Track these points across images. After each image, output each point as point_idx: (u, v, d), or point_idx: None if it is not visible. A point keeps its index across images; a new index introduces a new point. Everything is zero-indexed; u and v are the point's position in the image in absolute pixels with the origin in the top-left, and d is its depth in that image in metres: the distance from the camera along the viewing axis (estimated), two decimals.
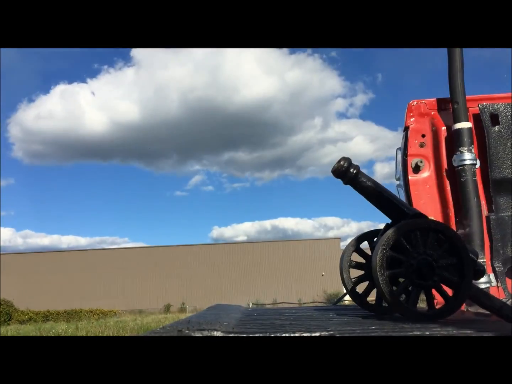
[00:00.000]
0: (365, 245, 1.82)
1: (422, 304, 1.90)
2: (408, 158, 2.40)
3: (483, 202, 2.26)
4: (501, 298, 1.88)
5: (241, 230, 64.55)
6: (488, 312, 1.66)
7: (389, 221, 1.69)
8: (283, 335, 1.11)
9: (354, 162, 1.67)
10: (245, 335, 1.11)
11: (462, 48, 2.29)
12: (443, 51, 2.32)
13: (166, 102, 60.14)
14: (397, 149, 2.60)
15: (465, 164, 2.19)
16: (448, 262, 1.48)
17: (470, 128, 2.23)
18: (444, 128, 2.38)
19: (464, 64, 2.27)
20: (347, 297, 2.06)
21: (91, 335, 12.02)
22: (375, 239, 1.76)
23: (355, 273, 1.79)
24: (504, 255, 2.20)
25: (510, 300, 2.10)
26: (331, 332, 1.13)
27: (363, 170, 1.68)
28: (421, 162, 2.37)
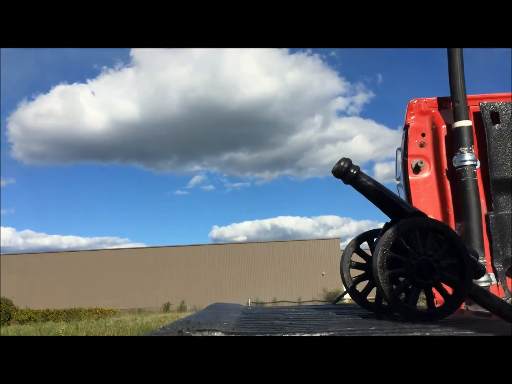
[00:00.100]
0: (365, 245, 1.82)
1: (421, 303, 1.90)
2: (408, 158, 2.40)
3: (482, 201, 2.26)
4: (501, 297, 1.88)
5: (241, 230, 64.60)
6: (488, 312, 1.66)
7: (389, 220, 1.70)
8: (284, 335, 1.11)
9: (354, 162, 1.67)
10: (245, 336, 1.11)
11: (462, 48, 2.29)
12: (443, 51, 2.33)
13: (166, 102, 60.17)
14: (397, 149, 2.60)
15: (466, 165, 2.19)
16: (448, 262, 1.48)
17: (470, 127, 2.23)
18: (444, 126, 2.38)
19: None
20: (347, 296, 2.06)
21: (91, 335, 12.02)
22: (375, 239, 1.76)
23: (356, 273, 1.79)
24: (504, 255, 2.20)
25: (510, 299, 2.10)
26: (331, 333, 1.13)
27: (363, 171, 1.68)
28: (421, 162, 2.37)
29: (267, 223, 64.65)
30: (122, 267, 41.11)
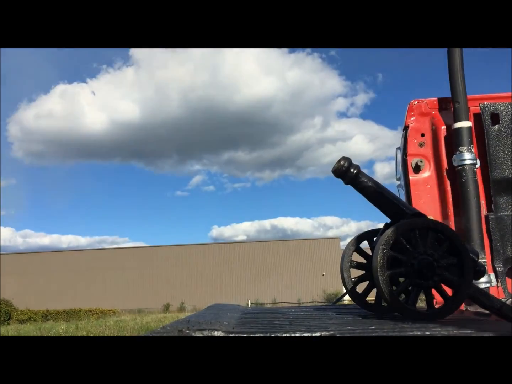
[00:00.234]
0: (365, 244, 1.82)
1: (421, 304, 1.90)
2: (408, 158, 2.40)
3: (482, 202, 2.26)
4: (500, 298, 1.88)
5: (240, 230, 64.66)
6: (487, 312, 1.66)
7: (389, 220, 1.70)
8: (284, 335, 1.11)
9: (354, 162, 1.67)
10: (245, 335, 1.11)
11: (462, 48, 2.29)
12: (444, 51, 2.33)
13: (166, 102, 60.21)
14: (397, 148, 2.60)
15: (465, 164, 2.19)
16: (449, 262, 1.48)
17: (470, 127, 2.23)
18: (443, 127, 2.38)
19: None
20: (347, 297, 2.06)
21: (91, 335, 12.02)
22: (374, 239, 1.76)
23: (356, 273, 1.79)
24: (504, 255, 2.20)
25: (510, 299, 2.10)
26: (332, 332, 1.13)
27: (363, 170, 1.68)
28: (421, 162, 2.37)
29: (267, 223, 64.72)
30: (122, 266, 41.09)
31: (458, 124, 2.23)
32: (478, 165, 2.24)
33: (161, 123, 60.89)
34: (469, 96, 2.27)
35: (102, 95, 61.50)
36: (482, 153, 2.29)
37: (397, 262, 1.49)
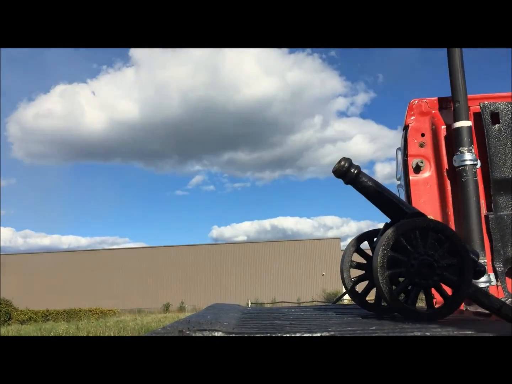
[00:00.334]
0: (365, 245, 1.82)
1: (421, 304, 1.90)
2: (408, 158, 2.40)
3: (482, 202, 2.26)
4: (500, 298, 1.88)
5: (240, 230, 64.67)
6: (487, 312, 1.66)
7: (389, 220, 1.70)
8: (284, 335, 1.11)
9: (355, 162, 1.67)
10: (245, 336, 1.11)
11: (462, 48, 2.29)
12: (444, 50, 2.33)
13: (166, 102, 60.23)
14: (397, 149, 2.60)
15: (466, 164, 2.19)
16: (449, 262, 1.48)
17: (470, 127, 2.23)
18: (443, 127, 2.38)
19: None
20: (347, 297, 2.06)
21: (91, 335, 12.02)
22: (375, 239, 1.76)
23: (356, 273, 1.79)
24: (505, 255, 2.20)
25: (510, 299, 2.10)
26: (332, 333, 1.13)
27: (364, 170, 1.68)
28: (421, 162, 2.37)
29: (267, 223, 64.75)
30: (122, 267, 41.09)
31: (458, 124, 2.23)
32: (478, 166, 2.24)
33: (161, 123, 60.96)
34: (469, 96, 2.27)
35: (102, 95, 61.56)
36: (482, 153, 2.28)
37: (397, 262, 1.49)
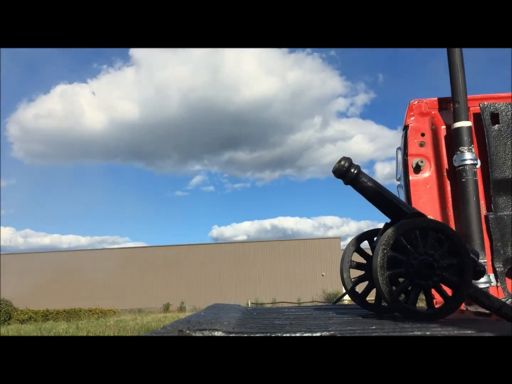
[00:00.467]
0: (365, 244, 1.82)
1: (421, 304, 1.90)
2: (408, 158, 2.40)
3: (482, 202, 2.26)
4: (500, 298, 1.88)
5: (241, 230, 64.70)
6: (487, 312, 1.66)
7: (389, 220, 1.70)
8: (284, 335, 1.11)
9: (355, 162, 1.67)
10: (246, 335, 1.11)
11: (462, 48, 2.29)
12: (444, 50, 2.33)
13: (166, 102, 60.24)
14: (397, 148, 2.60)
15: (466, 164, 2.19)
16: (449, 262, 1.48)
17: (470, 127, 2.23)
18: (443, 127, 2.38)
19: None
20: (347, 297, 2.06)
21: (91, 335, 12.02)
22: (375, 239, 1.76)
23: (356, 273, 1.79)
24: (505, 255, 2.20)
25: (510, 300, 2.10)
26: (332, 332, 1.13)
27: (364, 171, 1.68)
28: (421, 162, 2.37)
29: (267, 223, 64.75)
30: (122, 266, 41.09)
31: (458, 124, 2.23)
32: (478, 165, 2.24)
33: (161, 123, 60.98)
34: (469, 96, 2.27)
35: (102, 95, 61.58)
36: (482, 153, 2.28)
37: (397, 262, 1.49)
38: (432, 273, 1.47)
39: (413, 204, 2.31)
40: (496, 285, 2.16)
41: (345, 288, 1.77)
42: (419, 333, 1.13)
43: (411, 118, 2.42)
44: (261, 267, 40.85)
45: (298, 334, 1.11)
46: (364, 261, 1.79)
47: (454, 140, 2.26)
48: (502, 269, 2.19)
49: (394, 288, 1.50)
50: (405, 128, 2.44)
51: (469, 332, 1.14)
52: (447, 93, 2.33)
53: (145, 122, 59.96)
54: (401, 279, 1.53)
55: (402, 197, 2.45)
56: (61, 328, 14.22)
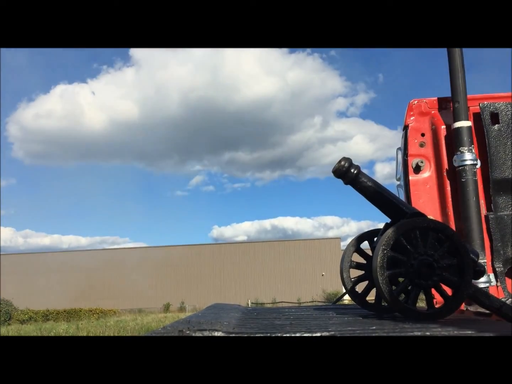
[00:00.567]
0: (365, 245, 1.82)
1: (421, 304, 1.90)
2: (408, 158, 2.40)
3: (482, 202, 2.26)
4: (500, 298, 1.88)
5: (241, 230, 64.68)
6: (488, 312, 1.66)
7: (389, 220, 1.70)
8: (284, 335, 1.11)
9: (355, 162, 1.67)
10: (246, 335, 1.11)
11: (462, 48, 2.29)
12: (444, 50, 2.33)
13: (166, 102, 60.24)
14: (397, 149, 2.60)
15: (466, 164, 2.19)
16: (448, 262, 1.48)
17: (470, 127, 2.23)
18: (443, 127, 2.38)
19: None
20: (347, 297, 2.06)
21: (92, 335, 12.02)
22: (375, 239, 1.76)
23: (356, 273, 1.79)
24: (505, 255, 2.20)
25: (510, 299, 2.10)
26: (332, 332, 1.13)
27: (364, 171, 1.68)
28: (421, 162, 2.37)
29: (267, 223, 64.75)
30: (123, 267, 41.08)
31: (458, 124, 2.23)
32: (478, 165, 2.24)
33: (161, 123, 60.99)
34: (469, 96, 2.27)
35: (102, 95, 61.55)
36: (482, 153, 2.28)
37: (397, 262, 1.49)
38: (432, 273, 1.47)
39: (413, 204, 2.31)
40: (496, 285, 2.16)
41: (345, 288, 1.77)
42: (419, 333, 1.13)
43: (411, 118, 2.42)
44: (261, 267, 40.84)
45: (298, 334, 1.11)
46: (364, 261, 1.79)
47: (454, 140, 2.26)
48: (502, 269, 2.18)
49: (394, 288, 1.50)
50: (405, 128, 2.44)
51: (469, 332, 1.14)
52: (447, 93, 2.33)
53: (145, 122, 60.00)
54: (401, 279, 1.53)
55: (402, 197, 2.45)
56: (61, 328, 14.23)
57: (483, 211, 2.25)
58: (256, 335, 1.12)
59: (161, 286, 40.64)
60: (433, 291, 1.52)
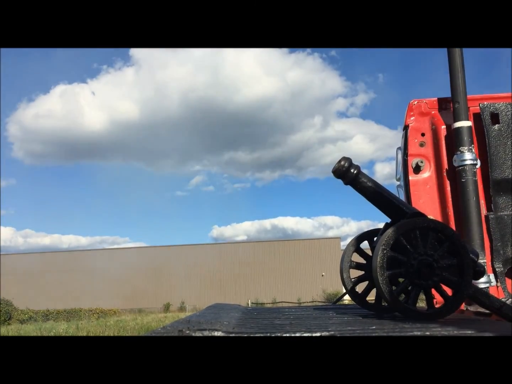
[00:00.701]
0: (365, 244, 1.82)
1: (422, 304, 1.90)
2: (408, 158, 2.40)
3: (482, 202, 2.26)
4: (500, 298, 1.88)
5: (241, 230, 64.66)
6: (488, 312, 1.66)
7: (389, 220, 1.70)
8: (284, 335, 1.11)
9: (355, 162, 1.67)
10: (245, 335, 1.11)
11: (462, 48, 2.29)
12: (444, 50, 2.33)
13: (166, 102, 60.24)
14: (397, 148, 2.60)
15: (466, 164, 2.19)
16: (448, 263, 1.48)
17: (470, 127, 2.23)
18: (443, 127, 2.38)
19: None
20: (347, 297, 2.06)
21: (91, 335, 12.02)
22: (375, 239, 1.76)
23: (356, 273, 1.79)
24: (505, 255, 2.20)
25: (510, 300, 2.10)
26: (332, 332, 1.13)
27: (364, 171, 1.68)
28: (421, 162, 2.37)
29: (267, 223, 64.72)
30: (123, 266, 41.07)
31: (458, 124, 2.23)
32: (478, 165, 2.24)
33: (161, 123, 60.95)
34: (469, 96, 2.27)
35: (102, 95, 61.54)
36: (482, 153, 2.29)
37: (397, 262, 1.49)
38: (432, 273, 1.47)
39: (413, 204, 2.31)
40: (496, 285, 2.17)
41: (345, 288, 1.77)
42: (419, 333, 1.13)
43: (411, 118, 2.42)
44: (261, 267, 40.83)
45: (298, 334, 1.11)
46: (364, 261, 1.79)
47: (454, 140, 2.26)
48: (502, 269, 2.19)
49: (394, 288, 1.50)
50: (405, 128, 2.44)
51: (469, 332, 1.14)
52: (447, 93, 2.34)
53: (145, 122, 59.98)
54: (401, 279, 1.53)
55: (402, 197, 2.45)
56: (61, 328, 14.24)
57: (483, 211, 2.25)
58: (256, 335, 1.12)
59: (161, 286, 40.65)
60: (433, 291, 1.52)
